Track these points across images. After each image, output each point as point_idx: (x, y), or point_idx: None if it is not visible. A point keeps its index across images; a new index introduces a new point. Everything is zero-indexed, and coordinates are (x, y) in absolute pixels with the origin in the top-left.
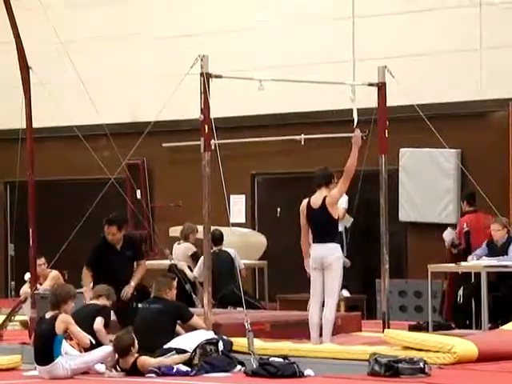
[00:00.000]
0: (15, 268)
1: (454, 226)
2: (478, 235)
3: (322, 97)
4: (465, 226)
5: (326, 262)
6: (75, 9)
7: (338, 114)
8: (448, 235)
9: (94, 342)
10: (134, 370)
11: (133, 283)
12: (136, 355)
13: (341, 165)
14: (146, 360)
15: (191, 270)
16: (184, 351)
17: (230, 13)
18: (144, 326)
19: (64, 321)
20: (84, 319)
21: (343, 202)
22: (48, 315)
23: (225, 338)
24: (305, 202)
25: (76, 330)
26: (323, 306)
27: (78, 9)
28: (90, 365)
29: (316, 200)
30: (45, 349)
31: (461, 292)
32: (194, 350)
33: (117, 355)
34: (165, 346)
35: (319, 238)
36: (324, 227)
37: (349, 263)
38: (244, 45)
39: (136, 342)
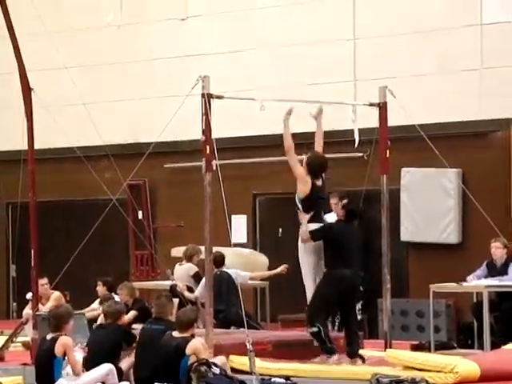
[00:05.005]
0: (17, 289)
1: None
2: None
3: (324, 117)
4: None
5: None
6: (76, 33)
7: (340, 134)
8: None
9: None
10: None
11: None
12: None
13: (343, 184)
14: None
15: (192, 291)
16: None
17: (230, 34)
18: (146, 346)
19: (63, 344)
20: None
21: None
22: (49, 337)
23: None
24: None
25: (73, 356)
26: None
27: (79, 33)
28: None
29: None
30: (45, 370)
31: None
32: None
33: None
34: None
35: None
36: None
37: None
38: (245, 65)
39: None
